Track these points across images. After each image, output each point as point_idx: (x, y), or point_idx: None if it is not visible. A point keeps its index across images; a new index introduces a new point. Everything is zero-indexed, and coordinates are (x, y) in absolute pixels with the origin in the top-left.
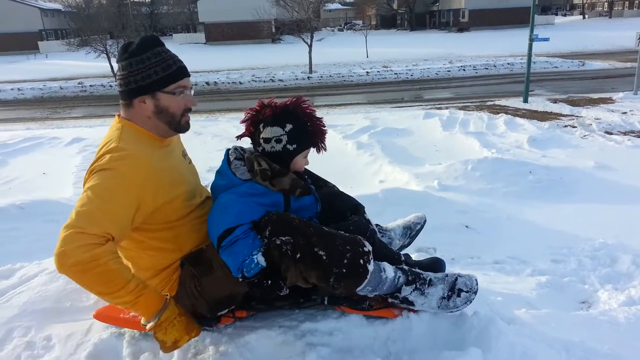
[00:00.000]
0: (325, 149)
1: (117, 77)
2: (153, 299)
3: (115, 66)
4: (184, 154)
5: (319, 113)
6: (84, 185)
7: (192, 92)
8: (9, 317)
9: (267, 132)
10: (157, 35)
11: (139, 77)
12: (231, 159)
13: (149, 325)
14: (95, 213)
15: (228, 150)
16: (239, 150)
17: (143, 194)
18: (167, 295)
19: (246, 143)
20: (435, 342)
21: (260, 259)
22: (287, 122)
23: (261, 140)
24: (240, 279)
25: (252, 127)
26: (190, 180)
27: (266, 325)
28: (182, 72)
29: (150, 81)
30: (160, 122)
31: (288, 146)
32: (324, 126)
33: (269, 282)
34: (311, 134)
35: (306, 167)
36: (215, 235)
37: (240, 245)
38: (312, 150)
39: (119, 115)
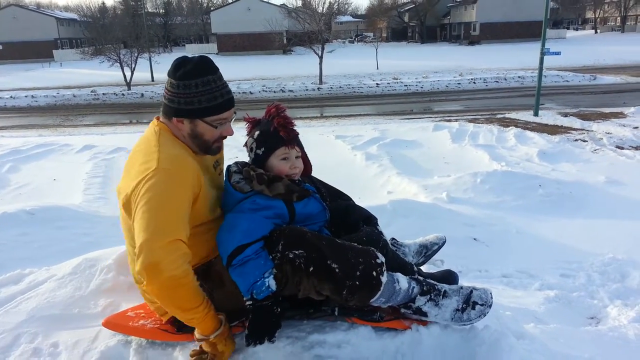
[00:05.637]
0: (299, 146)
1: (165, 89)
2: (215, 314)
3: (128, 75)
4: (217, 164)
5: (328, 124)
6: (128, 193)
7: (234, 118)
8: (17, 323)
9: (246, 144)
10: (212, 61)
11: (182, 101)
12: (232, 172)
13: (212, 337)
14: (173, 218)
15: (229, 166)
16: (239, 164)
17: (193, 190)
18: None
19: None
20: (444, 356)
21: (271, 282)
22: (257, 130)
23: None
24: (249, 302)
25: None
26: (213, 192)
27: None
28: (227, 104)
29: (191, 108)
30: (192, 143)
31: (257, 151)
32: (287, 119)
33: (279, 309)
34: (273, 133)
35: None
36: (225, 254)
37: (251, 265)
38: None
39: (157, 118)
